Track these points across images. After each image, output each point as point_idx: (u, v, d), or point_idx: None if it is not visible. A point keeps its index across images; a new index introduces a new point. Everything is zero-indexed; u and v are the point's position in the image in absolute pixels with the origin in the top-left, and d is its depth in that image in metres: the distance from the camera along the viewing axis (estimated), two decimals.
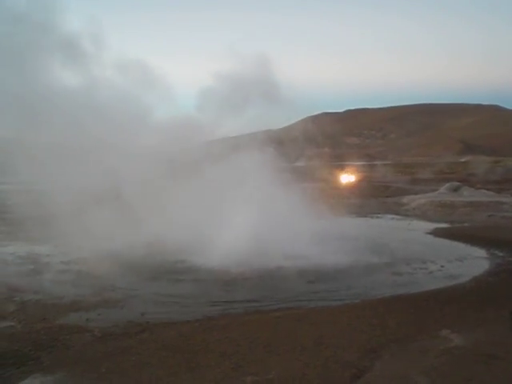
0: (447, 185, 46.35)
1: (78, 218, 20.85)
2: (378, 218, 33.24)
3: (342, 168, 69.06)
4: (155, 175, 22.10)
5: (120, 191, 21.88)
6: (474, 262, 19.19)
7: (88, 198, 21.44)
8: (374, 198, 44.28)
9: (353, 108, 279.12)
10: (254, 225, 19.65)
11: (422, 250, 21.21)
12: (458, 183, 47.28)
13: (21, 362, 9.79)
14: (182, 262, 18.61)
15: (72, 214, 20.88)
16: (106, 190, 21.95)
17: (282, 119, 26.85)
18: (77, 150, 21.78)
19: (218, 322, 12.21)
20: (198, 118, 25.51)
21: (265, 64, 25.38)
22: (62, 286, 15.80)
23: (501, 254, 20.11)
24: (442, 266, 18.21)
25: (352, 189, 51.59)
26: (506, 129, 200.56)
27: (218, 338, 10.82)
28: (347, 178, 62.13)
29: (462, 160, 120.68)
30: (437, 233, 25.93)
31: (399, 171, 78.44)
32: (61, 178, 21.73)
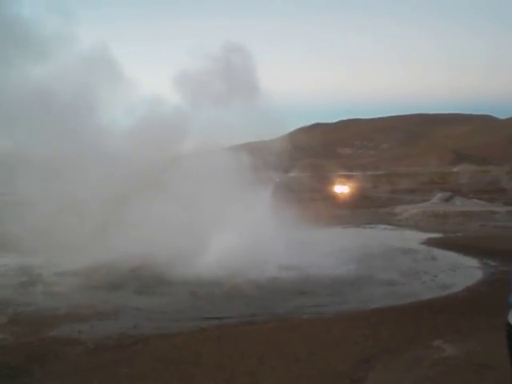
0: (439, 195, 46.51)
1: (68, 230, 20.82)
2: (370, 228, 33.27)
3: (334, 178, 69.17)
4: (142, 185, 22.07)
5: (106, 202, 21.77)
6: (466, 271, 19.23)
7: (75, 209, 21.41)
8: (367, 208, 44.36)
9: (345, 118, 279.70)
10: (246, 235, 19.67)
11: (415, 260, 21.23)
12: (450, 193, 47.43)
13: (13, 374, 9.74)
14: (173, 274, 18.50)
15: (62, 225, 20.85)
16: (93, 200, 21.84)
17: (268, 130, 26.51)
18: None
19: (211, 333, 12.19)
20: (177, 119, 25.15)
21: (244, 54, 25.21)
22: (54, 297, 15.77)
23: (493, 264, 20.15)
24: (434, 276, 18.21)
25: (344, 199, 51.74)
26: (497, 138, 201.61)
27: (211, 350, 10.80)
28: (339, 188, 62.21)
29: (455, 170, 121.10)
30: (429, 243, 25.97)
31: (391, 181, 78.64)
32: (46, 188, 21.64)
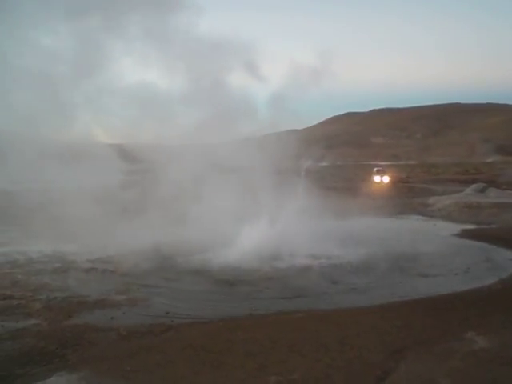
0: (473, 186, 45.76)
1: (101, 218, 21.04)
2: (403, 218, 32.94)
3: (365, 168, 68.66)
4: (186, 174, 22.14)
5: (145, 191, 21.97)
6: (500, 263, 18.95)
7: (110, 198, 21.63)
8: (399, 198, 43.88)
9: (378, 107, 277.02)
10: (278, 224, 19.68)
11: (447, 251, 20.97)
12: (484, 184, 46.64)
13: (46, 360, 9.90)
14: (205, 262, 18.61)
15: (95, 213, 21.08)
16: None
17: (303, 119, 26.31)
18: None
19: (243, 321, 12.24)
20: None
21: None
22: (87, 284, 15.96)
23: None
24: (467, 268, 18.01)
25: (376, 189, 51.28)
26: None
27: (242, 338, 10.85)
28: (371, 178, 61.54)
29: (489, 160, 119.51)
30: (463, 234, 25.63)
31: (424, 171, 77.92)
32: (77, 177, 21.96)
